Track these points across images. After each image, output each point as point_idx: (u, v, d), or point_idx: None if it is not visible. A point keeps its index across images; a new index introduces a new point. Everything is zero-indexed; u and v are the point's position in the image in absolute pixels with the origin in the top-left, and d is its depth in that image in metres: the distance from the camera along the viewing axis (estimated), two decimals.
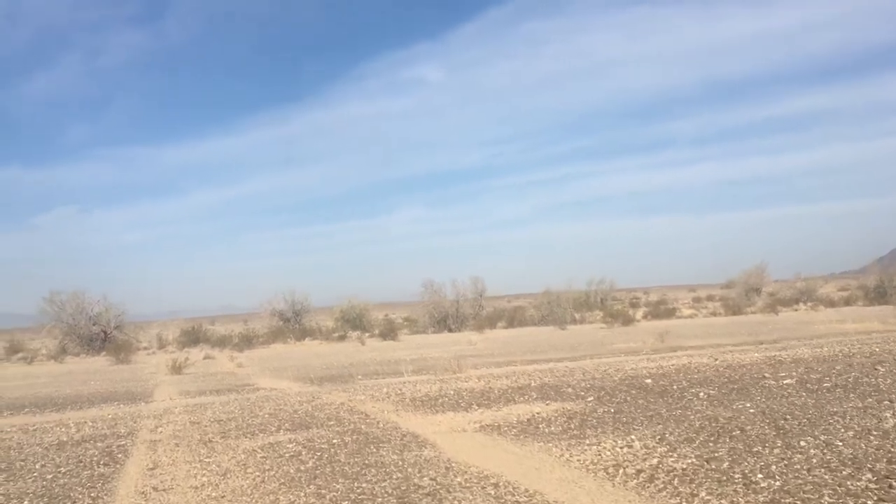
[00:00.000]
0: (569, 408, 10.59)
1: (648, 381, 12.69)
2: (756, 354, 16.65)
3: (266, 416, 12.45)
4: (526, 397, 12.03)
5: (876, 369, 12.10)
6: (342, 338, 47.48)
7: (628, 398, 11.01)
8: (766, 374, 12.36)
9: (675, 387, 11.75)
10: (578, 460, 7.49)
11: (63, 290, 55.19)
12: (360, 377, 20.64)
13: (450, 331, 51.62)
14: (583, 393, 11.96)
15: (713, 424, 8.55)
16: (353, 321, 62.45)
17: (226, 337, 51.59)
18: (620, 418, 9.41)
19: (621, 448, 7.80)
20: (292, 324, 62.57)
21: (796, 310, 49.57)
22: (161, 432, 11.60)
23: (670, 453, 7.37)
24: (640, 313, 52.66)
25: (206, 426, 11.80)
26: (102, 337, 53.59)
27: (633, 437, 8.27)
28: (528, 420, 9.86)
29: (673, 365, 15.59)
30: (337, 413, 11.98)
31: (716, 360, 16.13)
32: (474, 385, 14.58)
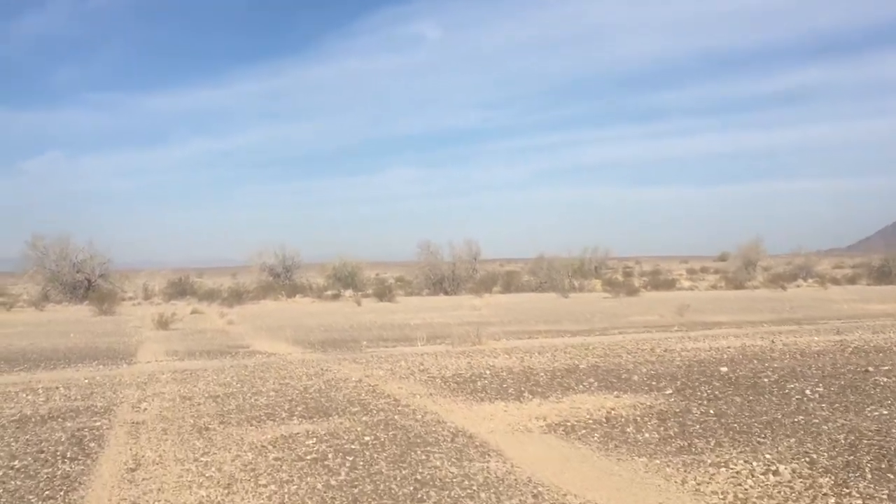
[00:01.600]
0: (648, 403, 8.54)
1: (724, 369, 10.65)
2: (817, 338, 14.70)
3: (271, 392, 10.33)
4: (584, 384, 9.96)
5: None
6: (336, 297, 45.34)
7: (717, 393, 8.96)
8: (869, 368, 10.35)
9: (764, 379, 9.71)
10: (712, 491, 5.43)
11: (48, 234, 52.63)
12: (365, 343, 18.56)
13: (445, 293, 49.59)
14: (653, 382, 9.91)
15: (865, 441, 6.52)
16: (345, 280, 60.25)
17: (214, 290, 49.27)
18: (729, 424, 7.34)
19: (762, 474, 5.74)
20: (282, 279, 60.33)
21: (798, 286, 47.86)
22: (145, 410, 9.46)
23: (843, 489, 5.32)
24: (637, 283, 50.75)
25: (199, 404, 9.67)
26: (86, 285, 51.15)
27: (766, 455, 6.21)
28: (606, 419, 7.79)
29: (729, 347, 13.60)
30: (357, 394, 9.86)
31: (773, 342, 14.17)
32: (508, 362, 12.52)
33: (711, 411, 7.86)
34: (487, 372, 11.35)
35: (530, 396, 9.23)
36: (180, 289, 53.02)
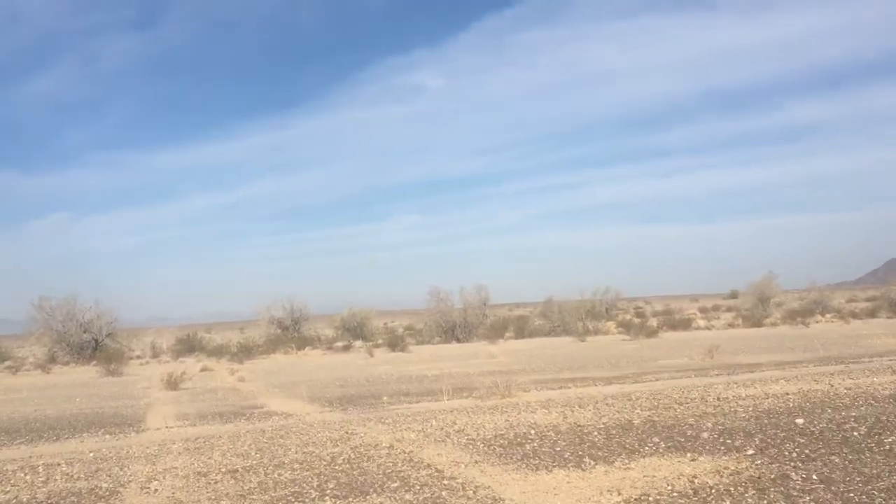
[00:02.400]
0: (732, 467, 7.36)
1: (800, 420, 9.47)
2: (876, 379, 13.52)
3: (295, 465, 9.15)
4: (648, 445, 8.78)
5: None
6: (347, 348, 44.07)
7: (808, 452, 7.78)
8: None
9: (854, 433, 8.53)
10: None
11: (54, 295, 51.59)
12: (386, 399, 17.37)
13: (458, 341, 48.29)
14: (727, 440, 8.73)
15: None
16: (354, 330, 59.04)
17: (223, 346, 48.00)
18: (844, 494, 6.16)
19: None
20: (291, 332, 59.06)
21: (818, 322, 46.51)
22: (156, 491, 8.30)
23: None
24: (653, 324, 49.39)
25: (216, 482, 8.50)
26: (93, 345, 49.96)
27: None
28: (693, 491, 6.62)
29: (787, 394, 12.42)
30: (393, 464, 8.69)
31: (832, 385, 12.99)
32: (550, 418, 11.35)
33: (814, 477, 6.69)
34: (532, 431, 10.17)
35: (592, 462, 8.05)
36: (188, 345, 51.82)
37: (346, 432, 11.53)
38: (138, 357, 50.22)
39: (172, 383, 24.08)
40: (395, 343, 40.13)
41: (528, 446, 9.17)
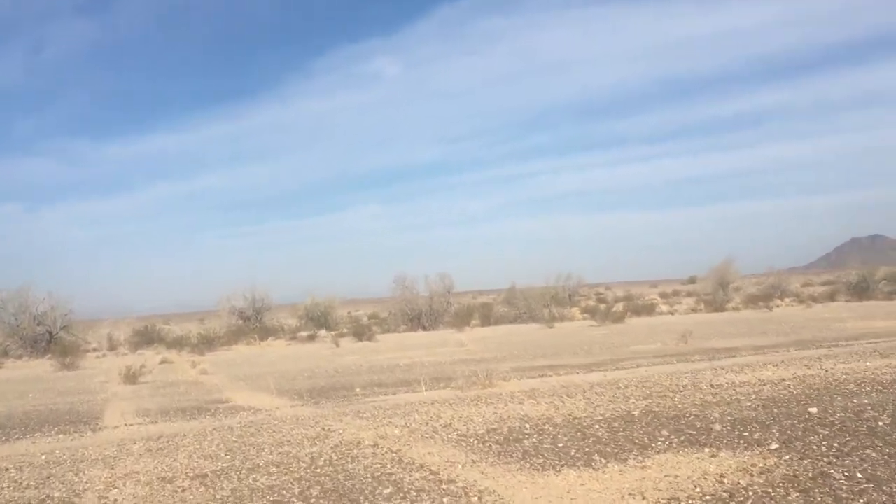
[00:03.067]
0: (761, 464, 6.64)
1: (813, 409, 8.81)
2: (869, 363, 13.02)
3: (271, 468, 8.23)
4: (659, 440, 8.01)
5: None
6: (311, 338, 42.89)
7: (837, 444, 7.09)
8: None
9: (879, 423, 7.88)
10: None
11: (5, 287, 49.45)
12: (359, 390, 16.47)
13: (424, 329, 47.44)
14: (743, 432, 8.00)
15: None
16: (318, 319, 57.84)
17: (183, 337, 46.49)
18: None
19: None
20: (252, 322, 57.62)
21: (779, 306, 46.62)
22: (116, 501, 7.33)
23: None
24: (617, 310, 49.05)
25: (184, 489, 7.54)
26: (48, 338, 48.03)
27: None
28: (729, 494, 5.86)
29: (784, 380, 11.81)
30: (381, 466, 7.81)
31: (827, 371, 12.44)
32: (541, 410, 10.58)
33: (859, 475, 5.98)
34: (527, 425, 9.37)
35: (602, 460, 7.27)
36: (147, 337, 50.14)
37: (323, 429, 10.62)
38: (95, 350, 48.44)
39: (131, 377, 22.85)
40: (362, 332, 39.12)
41: (526, 442, 8.36)
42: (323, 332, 48.66)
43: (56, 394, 21.21)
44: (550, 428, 9.07)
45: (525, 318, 49.34)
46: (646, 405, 10.19)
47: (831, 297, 48.69)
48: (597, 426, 8.91)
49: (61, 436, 12.50)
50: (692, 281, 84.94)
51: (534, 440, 8.43)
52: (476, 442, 8.64)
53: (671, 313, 48.09)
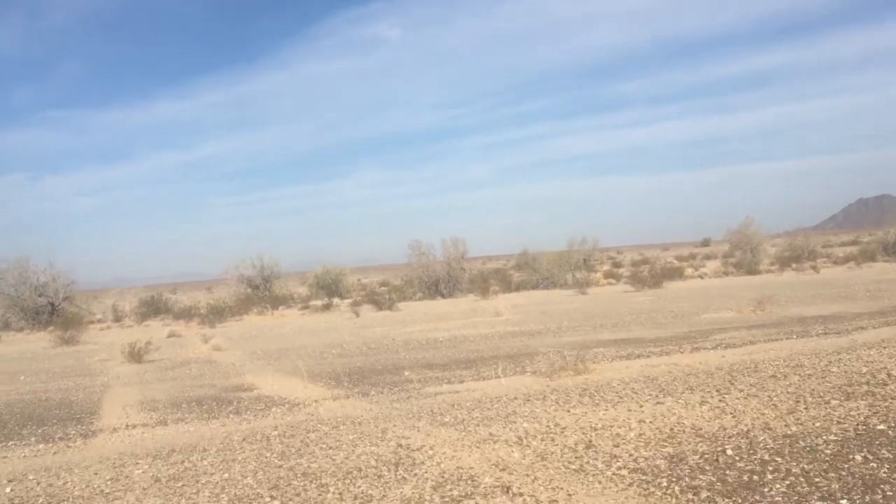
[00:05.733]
0: None
1: None
2: None
3: None
4: None
5: None
6: (327, 307, 39.62)
7: None
8: None
9: None
10: None
11: (4, 258, 46.10)
12: (409, 374, 13.29)
13: (442, 296, 44.23)
14: None
15: None
16: (329, 287, 54.68)
17: (191, 308, 43.25)
18: None
19: None
20: (262, 291, 54.42)
21: (813, 267, 43.27)
22: None
23: None
24: (651, 273, 45.68)
25: None
26: (50, 309, 44.83)
27: None
28: None
29: None
30: None
31: None
32: (706, 417, 7.34)
33: None
34: (728, 449, 6.09)
35: None
36: (153, 307, 46.93)
37: (400, 444, 7.37)
38: (99, 320, 45.25)
39: (136, 355, 19.67)
40: (381, 301, 35.87)
41: (769, 489, 5.09)
42: (337, 301, 45.49)
43: (51, 376, 18.06)
44: (764, 454, 5.81)
45: (547, 284, 46.13)
46: (869, 409, 6.94)
47: (871, 257, 45.38)
48: (838, 452, 5.66)
49: (42, 445, 9.32)
50: (706, 243, 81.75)
51: (772, 478, 5.17)
52: (668, 484, 5.38)
53: (700, 277, 44.87)
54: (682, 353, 12.72)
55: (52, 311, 44.35)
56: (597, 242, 67.94)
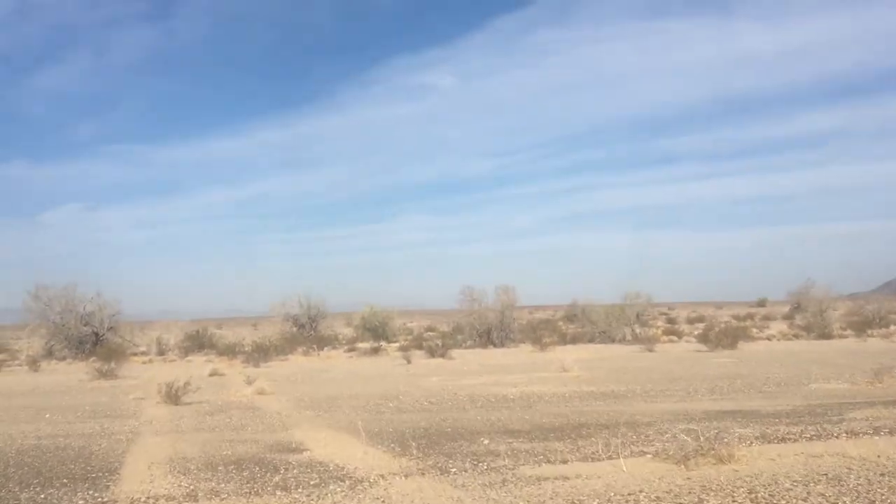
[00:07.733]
0: None
1: None
2: None
3: None
4: None
5: None
6: (375, 350, 37.31)
7: None
8: None
9: None
10: None
11: (53, 285, 44.94)
12: (487, 442, 10.80)
13: (493, 345, 41.59)
14: None
15: None
16: (375, 330, 52.52)
17: (235, 344, 41.31)
18: None
19: None
20: (307, 330, 52.51)
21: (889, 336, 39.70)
22: None
23: None
24: (723, 334, 42.44)
25: None
26: (93, 339, 43.38)
27: None
28: None
29: None
30: None
31: None
32: None
33: None
34: None
35: None
36: (198, 342, 45.22)
37: None
38: (143, 353, 43.62)
39: (173, 396, 17.51)
40: (433, 348, 33.42)
41: None
42: (384, 344, 43.18)
43: (78, 415, 16.02)
44: None
45: (604, 339, 43.26)
46: None
47: None
48: None
49: None
50: (762, 303, 77.78)
51: None
52: None
53: (766, 339, 41.56)
54: (826, 435, 10.03)
55: (96, 341, 42.92)
56: (650, 297, 64.84)
